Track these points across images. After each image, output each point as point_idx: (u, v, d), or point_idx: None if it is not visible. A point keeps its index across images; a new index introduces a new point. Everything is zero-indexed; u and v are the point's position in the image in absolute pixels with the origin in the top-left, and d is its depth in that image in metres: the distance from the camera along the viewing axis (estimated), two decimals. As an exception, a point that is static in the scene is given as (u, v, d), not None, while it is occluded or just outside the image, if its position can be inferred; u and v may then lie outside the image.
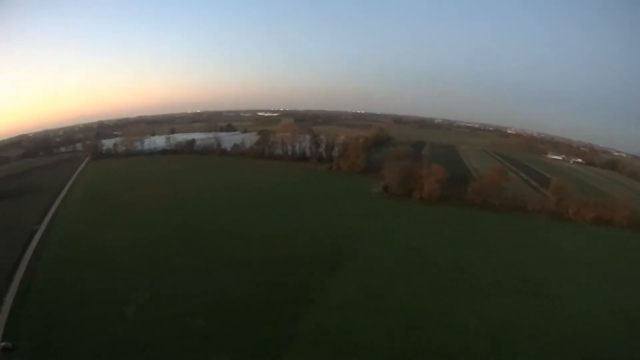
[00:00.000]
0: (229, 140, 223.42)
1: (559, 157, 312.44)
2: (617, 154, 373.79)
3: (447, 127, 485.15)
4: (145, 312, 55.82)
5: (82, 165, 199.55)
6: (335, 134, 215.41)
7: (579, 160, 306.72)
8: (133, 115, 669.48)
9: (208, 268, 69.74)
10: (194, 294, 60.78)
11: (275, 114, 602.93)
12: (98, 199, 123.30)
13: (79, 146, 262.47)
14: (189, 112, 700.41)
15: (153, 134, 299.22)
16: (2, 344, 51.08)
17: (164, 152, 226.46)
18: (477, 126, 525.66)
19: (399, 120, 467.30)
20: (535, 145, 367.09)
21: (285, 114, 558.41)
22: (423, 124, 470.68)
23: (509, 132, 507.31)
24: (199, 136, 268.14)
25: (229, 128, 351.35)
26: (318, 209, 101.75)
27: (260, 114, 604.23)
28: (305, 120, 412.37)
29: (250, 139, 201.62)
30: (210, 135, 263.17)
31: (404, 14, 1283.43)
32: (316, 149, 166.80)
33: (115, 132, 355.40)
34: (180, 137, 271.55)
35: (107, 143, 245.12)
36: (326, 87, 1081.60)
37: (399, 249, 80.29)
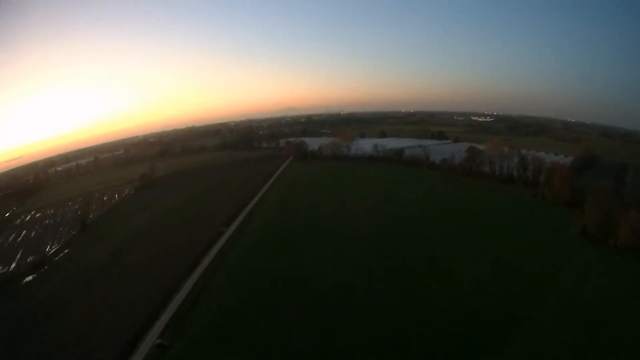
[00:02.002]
0: (438, 150, 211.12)
1: None
2: None
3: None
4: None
5: (283, 166, 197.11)
6: (544, 148, 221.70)
7: None
8: (344, 111, 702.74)
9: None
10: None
11: (488, 119, 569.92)
12: (295, 208, 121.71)
13: (282, 142, 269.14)
14: (402, 111, 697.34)
15: (362, 136, 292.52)
16: (158, 341, 56.19)
17: (371, 159, 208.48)
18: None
19: (605, 133, 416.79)
20: None
21: (498, 119, 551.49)
22: (628, 138, 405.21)
23: None
24: (408, 143, 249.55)
25: (440, 136, 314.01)
26: (511, 250, 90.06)
27: (473, 118, 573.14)
28: (517, 128, 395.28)
29: (460, 153, 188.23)
30: (421, 142, 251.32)
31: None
32: (523, 171, 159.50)
33: (323, 130, 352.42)
34: (390, 142, 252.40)
35: (313, 143, 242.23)
36: (539, 93, 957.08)
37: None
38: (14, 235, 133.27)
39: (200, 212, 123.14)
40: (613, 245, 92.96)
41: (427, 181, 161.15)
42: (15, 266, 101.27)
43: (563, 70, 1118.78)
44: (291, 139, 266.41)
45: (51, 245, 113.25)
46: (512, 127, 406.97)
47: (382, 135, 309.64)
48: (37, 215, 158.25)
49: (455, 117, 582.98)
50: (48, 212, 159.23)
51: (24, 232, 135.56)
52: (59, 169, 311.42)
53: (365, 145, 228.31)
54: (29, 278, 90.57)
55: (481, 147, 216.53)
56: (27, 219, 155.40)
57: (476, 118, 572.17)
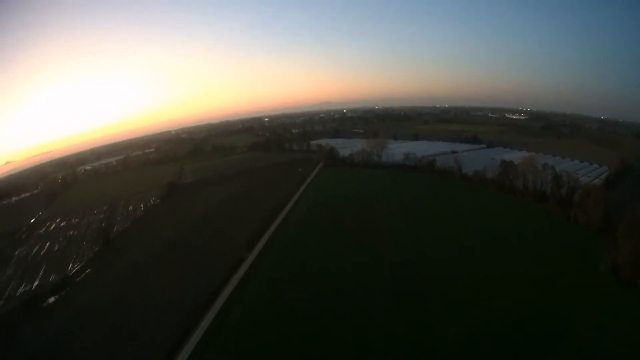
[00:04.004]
0: (471, 158, 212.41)
1: None
2: None
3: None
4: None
5: (313, 174, 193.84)
6: (579, 153, 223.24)
7: None
8: (379, 105, 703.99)
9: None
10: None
11: (522, 117, 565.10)
12: (325, 229, 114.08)
13: (314, 144, 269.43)
14: (437, 106, 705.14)
15: (395, 138, 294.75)
16: None
17: (402, 167, 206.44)
18: None
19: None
20: None
21: (532, 117, 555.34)
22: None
23: None
24: (441, 148, 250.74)
25: (474, 140, 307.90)
26: (532, 289, 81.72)
27: (507, 115, 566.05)
28: (552, 128, 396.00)
29: (493, 161, 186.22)
30: (454, 146, 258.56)
31: None
32: (557, 189, 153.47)
33: (355, 130, 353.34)
34: (422, 146, 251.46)
35: (345, 145, 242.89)
36: (572, 89, 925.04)
37: None
38: (38, 246, 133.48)
39: (224, 230, 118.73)
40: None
41: (458, 195, 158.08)
42: (37, 284, 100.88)
43: (598, 66, 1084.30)
44: (322, 142, 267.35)
45: (74, 263, 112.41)
46: (546, 127, 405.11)
47: (416, 138, 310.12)
48: (62, 224, 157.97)
49: (489, 115, 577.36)
50: (73, 220, 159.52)
51: (47, 243, 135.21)
52: (88, 168, 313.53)
53: (397, 151, 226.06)
54: (51, 299, 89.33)
55: (516, 152, 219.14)
56: (51, 227, 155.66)
57: (510, 115, 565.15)
